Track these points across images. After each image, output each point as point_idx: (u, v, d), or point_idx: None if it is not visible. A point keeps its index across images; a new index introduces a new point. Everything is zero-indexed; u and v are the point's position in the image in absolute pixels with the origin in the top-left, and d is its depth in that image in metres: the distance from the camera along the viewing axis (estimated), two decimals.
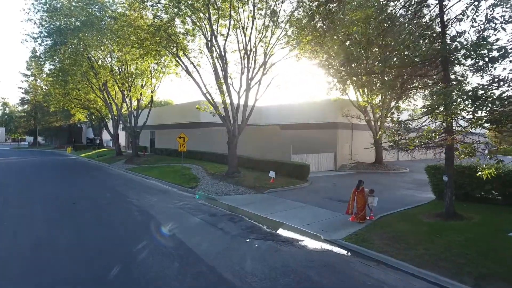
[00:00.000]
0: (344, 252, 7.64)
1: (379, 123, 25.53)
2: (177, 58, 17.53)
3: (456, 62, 9.37)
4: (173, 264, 6.73)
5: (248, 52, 17.34)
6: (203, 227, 9.71)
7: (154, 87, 29.45)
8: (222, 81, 17.33)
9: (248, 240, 8.32)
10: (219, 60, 17.45)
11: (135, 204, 12.73)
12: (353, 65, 19.07)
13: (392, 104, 25.73)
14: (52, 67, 31.99)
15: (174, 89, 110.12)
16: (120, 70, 28.54)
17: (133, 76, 27.56)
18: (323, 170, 23.68)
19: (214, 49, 17.15)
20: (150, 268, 6.46)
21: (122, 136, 50.03)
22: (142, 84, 28.76)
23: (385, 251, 7.25)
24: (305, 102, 30.29)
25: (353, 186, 10.36)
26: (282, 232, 9.18)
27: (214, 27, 16.97)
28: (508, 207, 10.60)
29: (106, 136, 47.84)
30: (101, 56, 27.68)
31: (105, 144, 53.23)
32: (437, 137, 8.90)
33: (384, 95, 19.97)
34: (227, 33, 17.09)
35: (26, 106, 65.04)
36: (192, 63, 18.42)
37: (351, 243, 7.96)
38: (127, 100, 29.83)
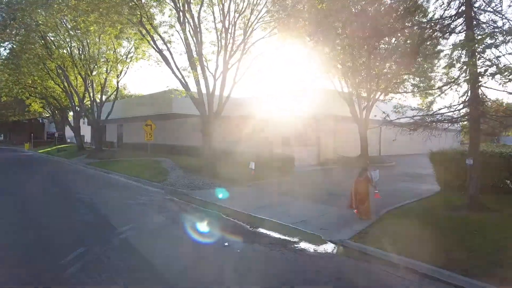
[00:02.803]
0: (356, 256, 5.67)
1: (364, 114, 24.16)
2: (141, 27, 14.97)
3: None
4: None
5: (227, 25, 15.15)
6: (168, 228, 7.48)
7: (120, 73, 26.50)
8: (197, 57, 15.01)
9: (227, 244, 6.17)
10: (193, 34, 15.13)
11: (86, 201, 10.23)
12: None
13: (378, 95, 24.47)
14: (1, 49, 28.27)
15: (145, 81, 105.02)
16: (80, 52, 25.40)
17: (96, 59, 24.51)
18: (307, 164, 21.88)
19: (186, 20, 14.81)
20: None
21: (87, 131, 46.19)
22: (106, 69, 25.73)
23: (419, 255, 5.31)
24: (286, 92, 28.46)
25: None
26: (270, 232, 7.10)
27: None
28: None
29: (70, 132, 43.92)
30: (57, 37, 24.42)
31: (68, 140, 49.00)
32: (461, 108, 7.15)
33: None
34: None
35: None
36: (162, 38, 15.97)
37: (364, 245, 5.99)
38: (89, 89, 26.70)
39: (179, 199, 10.69)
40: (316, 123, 23.92)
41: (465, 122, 7.66)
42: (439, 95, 8.61)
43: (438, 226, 6.67)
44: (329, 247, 6.14)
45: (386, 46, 20.01)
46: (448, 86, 7.39)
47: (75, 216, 8.33)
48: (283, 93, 28.90)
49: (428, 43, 9.38)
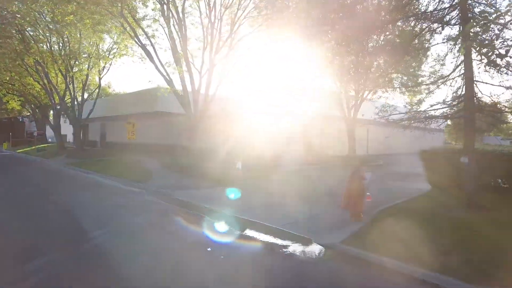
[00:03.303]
0: (348, 261, 5.23)
1: (352, 113, 23.97)
2: (123, 20, 14.28)
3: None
4: None
5: (213, 20, 14.60)
6: (146, 231, 6.89)
7: (102, 70, 25.56)
8: (181, 52, 14.41)
9: (209, 250, 5.65)
10: (177, 28, 14.52)
11: (59, 203, 9.52)
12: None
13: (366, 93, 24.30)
14: None
15: (131, 79, 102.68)
16: (60, 47, 24.34)
17: (76, 54, 23.51)
18: (295, 163, 21.46)
19: (170, 14, 14.19)
20: None
21: (70, 130, 44.74)
22: (88, 65, 24.74)
23: (416, 259, 4.92)
24: (275, 91, 28.02)
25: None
26: (257, 234, 6.61)
27: None
28: None
29: (51, 131, 42.43)
30: (37, 32, 23.31)
31: (49, 140, 47.34)
32: (456, 104, 6.82)
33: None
34: None
35: None
36: (146, 33, 15.29)
37: (357, 248, 5.57)
38: (70, 86, 25.66)
39: (161, 200, 10.08)
40: (305, 122, 23.58)
41: (455, 119, 7.37)
42: (427, 94, 8.35)
43: (436, 227, 6.31)
44: (319, 251, 5.69)
45: (375, 44, 19.84)
46: (442, 81, 7.07)
47: (45, 220, 7.64)
48: (271, 92, 28.48)
49: (417, 40, 9.10)
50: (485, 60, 6.54)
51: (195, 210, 8.76)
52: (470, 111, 6.73)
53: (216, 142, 20.71)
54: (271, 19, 14.37)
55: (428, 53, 17.73)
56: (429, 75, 16.43)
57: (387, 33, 12.30)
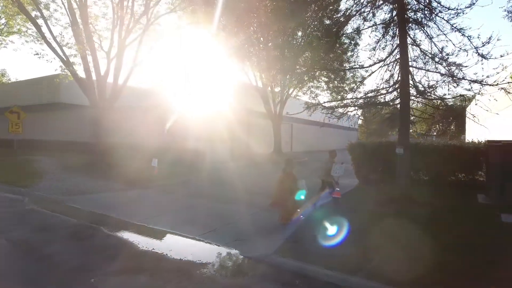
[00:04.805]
0: (287, 279, 4.13)
1: (278, 109, 23.69)
2: None
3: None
4: None
5: None
6: (7, 256, 4.86)
7: None
8: (82, 28, 11.92)
9: (93, 281, 3.97)
10: None
11: None
12: None
13: (292, 90, 24.27)
14: None
15: (36, 68, 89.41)
16: None
17: None
18: (219, 161, 20.15)
19: None
20: None
21: None
22: None
23: (373, 270, 4.04)
24: (198, 84, 26.29)
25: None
26: (169, 250, 5.11)
27: None
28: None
29: None
30: None
31: None
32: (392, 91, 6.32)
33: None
34: None
35: None
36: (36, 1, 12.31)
37: (295, 260, 4.53)
38: None
39: (46, 210, 7.79)
40: (230, 118, 22.43)
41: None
42: (360, 82, 7.89)
43: (373, 225, 5.66)
44: (249, 268, 4.50)
45: (302, 38, 19.72)
46: (377, 67, 6.52)
47: None
48: (194, 84, 26.68)
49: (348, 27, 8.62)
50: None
51: (90, 220, 6.83)
52: (405, 99, 6.27)
53: (129, 138, 18.25)
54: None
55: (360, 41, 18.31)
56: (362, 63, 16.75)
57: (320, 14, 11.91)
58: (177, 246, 5.42)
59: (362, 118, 48.22)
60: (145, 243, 5.42)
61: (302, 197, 6.75)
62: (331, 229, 5.75)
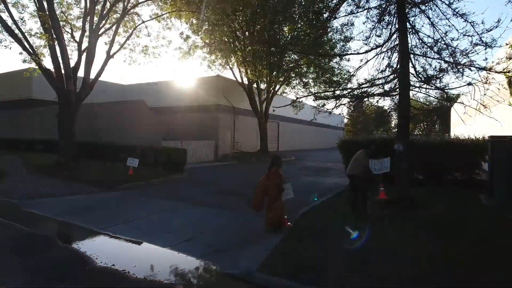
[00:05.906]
0: None
1: (264, 107, 22.95)
2: None
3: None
4: None
5: None
6: None
7: None
8: (47, 13, 10.79)
9: None
10: None
11: None
12: None
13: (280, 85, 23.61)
14: None
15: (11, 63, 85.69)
16: None
17: None
18: (202, 160, 19.26)
19: None
20: None
21: None
22: None
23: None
24: (180, 80, 25.33)
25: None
26: (132, 266, 4.22)
27: None
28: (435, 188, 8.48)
29: None
30: None
31: None
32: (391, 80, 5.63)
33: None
34: None
35: None
36: None
37: (284, 279, 3.73)
38: None
39: None
40: (214, 115, 21.53)
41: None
42: (348, 76, 7.23)
43: (379, 231, 4.93)
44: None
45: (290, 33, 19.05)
46: (374, 53, 5.82)
47: None
48: (176, 80, 25.66)
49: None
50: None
51: (51, 229, 5.88)
52: (405, 89, 5.59)
53: (103, 134, 17.11)
54: None
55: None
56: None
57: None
58: (144, 260, 4.55)
59: (348, 117, 48.16)
60: (106, 257, 4.51)
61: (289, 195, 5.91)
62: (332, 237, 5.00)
